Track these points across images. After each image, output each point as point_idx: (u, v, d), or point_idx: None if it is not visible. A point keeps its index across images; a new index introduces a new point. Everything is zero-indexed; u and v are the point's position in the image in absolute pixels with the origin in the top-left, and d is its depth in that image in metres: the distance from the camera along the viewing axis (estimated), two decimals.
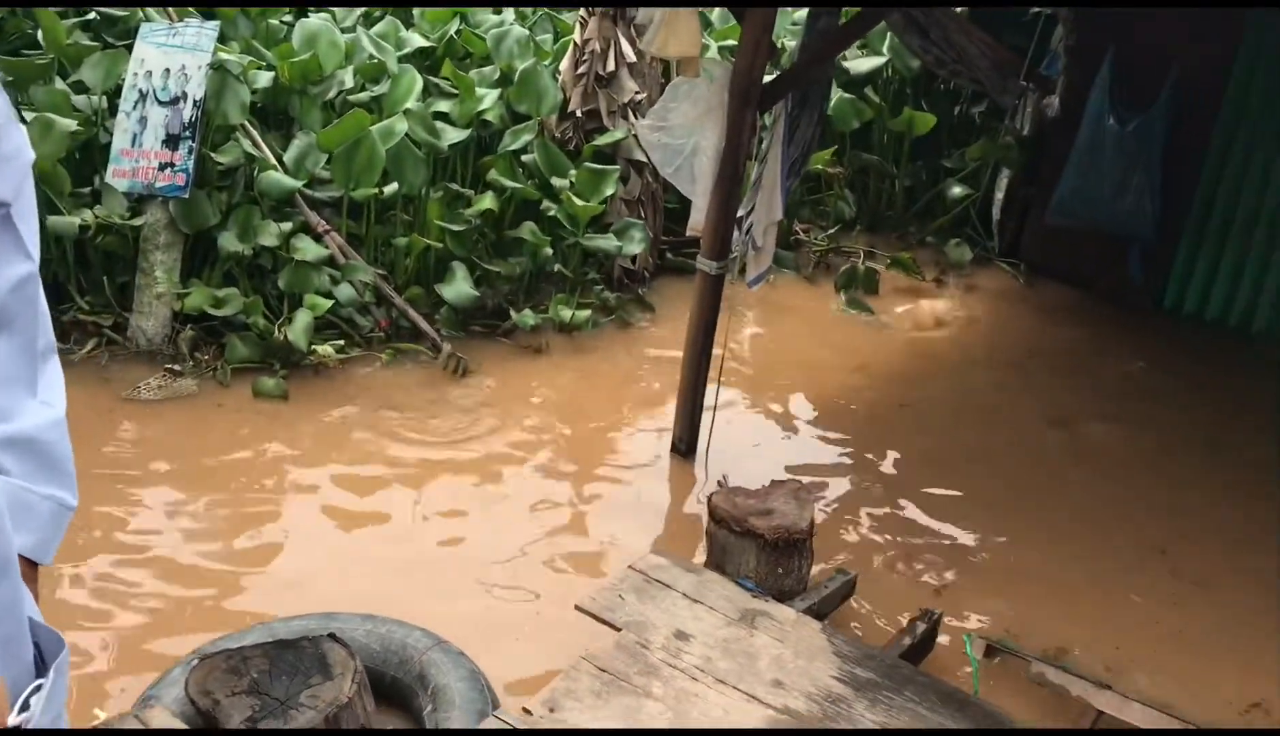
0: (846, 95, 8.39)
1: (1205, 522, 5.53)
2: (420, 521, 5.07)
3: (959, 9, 8.71)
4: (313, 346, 6.01)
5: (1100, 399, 6.71)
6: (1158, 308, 7.90)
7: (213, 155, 6.34)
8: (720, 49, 8.17)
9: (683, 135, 5.40)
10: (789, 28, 8.66)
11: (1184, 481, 5.89)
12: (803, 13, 6.70)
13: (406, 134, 6.65)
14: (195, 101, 6.21)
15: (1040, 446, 6.15)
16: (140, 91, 6.24)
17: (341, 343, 6.19)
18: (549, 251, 6.93)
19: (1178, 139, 7.39)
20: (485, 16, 8.08)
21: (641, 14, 5.23)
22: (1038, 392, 6.75)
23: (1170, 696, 4.30)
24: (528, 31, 7.89)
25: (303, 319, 6.04)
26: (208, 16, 6.83)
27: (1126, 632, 4.72)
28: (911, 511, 5.46)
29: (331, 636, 3.58)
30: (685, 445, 5.73)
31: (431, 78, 7.48)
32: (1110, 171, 7.39)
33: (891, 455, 5.91)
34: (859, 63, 8.63)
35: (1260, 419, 6.58)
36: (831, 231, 8.41)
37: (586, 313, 6.81)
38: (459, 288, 6.60)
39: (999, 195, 8.45)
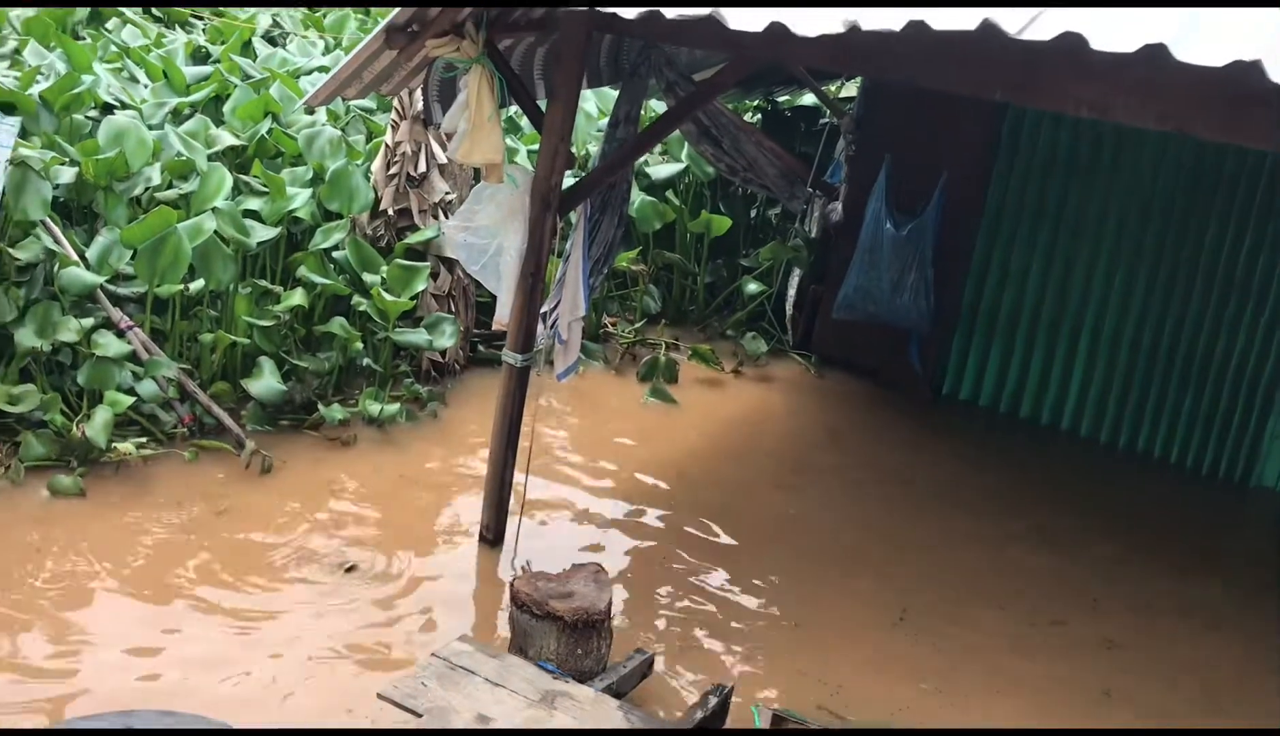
0: (648, 198, 8.86)
1: (945, 584, 6.06)
2: (222, 616, 5.05)
3: (748, 116, 9.36)
4: (112, 443, 5.94)
5: (880, 479, 7.21)
6: (936, 395, 8.55)
7: (10, 250, 6.25)
8: (529, 153, 8.53)
9: (488, 236, 5.67)
10: (593, 134, 9.10)
11: (934, 546, 6.42)
12: (605, 119, 7.13)
13: (215, 231, 6.70)
14: None
15: (828, 524, 6.57)
16: None
17: (144, 440, 6.13)
18: (359, 346, 7.05)
19: (948, 239, 8.09)
20: (297, 117, 8.22)
21: (447, 122, 5.50)
22: (828, 475, 7.20)
23: None
24: (340, 132, 8.07)
25: (102, 415, 5.96)
26: (8, 111, 6.77)
27: (897, 690, 5.10)
28: (709, 589, 5.75)
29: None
30: (493, 534, 5.89)
31: (242, 176, 7.56)
32: (889, 270, 8.03)
33: (691, 536, 6.22)
34: (660, 168, 9.13)
35: (1017, 491, 7.21)
36: (638, 325, 8.79)
37: (396, 406, 6.93)
38: (266, 382, 6.63)
39: (791, 292, 9.02)
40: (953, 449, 7.82)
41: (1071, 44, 3.47)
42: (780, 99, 9.83)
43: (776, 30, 3.97)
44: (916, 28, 3.69)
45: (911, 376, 8.44)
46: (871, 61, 4.61)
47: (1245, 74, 3.29)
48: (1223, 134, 4.00)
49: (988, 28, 3.57)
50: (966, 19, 3.64)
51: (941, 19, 3.69)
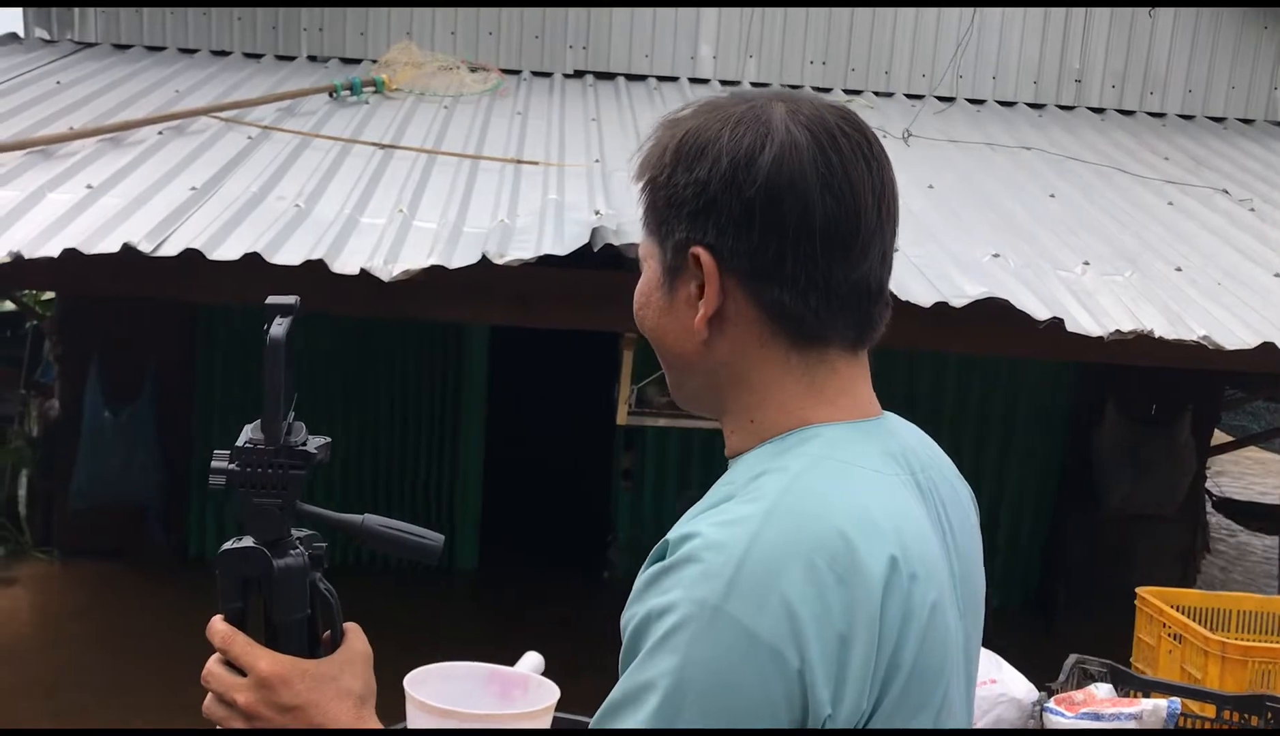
0: None
1: None
2: None
3: None
4: None
5: (126, 645, 7.77)
6: (186, 559, 9.27)
7: None
8: None
9: None
10: None
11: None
12: None
13: None
14: None
15: (78, 703, 7.00)
16: None
17: None
18: None
19: (169, 417, 8.95)
20: None
21: None
22: (78, 659, 7.58)
23: None
24: None
25: None
26: None
27: None
28: None
29: None
30: None
31: None
32: (115, 455, 8.67)
33: None
34: None
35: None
36: None
37: None
38: None
39: (22, 493, 9.20)
40: (196, 602, 8.57)
41: (193, 256, 4.69)
42: None
43: None
44: (71, 254, 4.65)
45: (156, 547, 9.09)
46: (47, 280, 5.46)
47: (320, 267, 4.76)
48: (329, 307, 5.51)
49: (128, 249, 4.66)
50: (112, 243, 4.70)
51: (91, 245, 4.71)
